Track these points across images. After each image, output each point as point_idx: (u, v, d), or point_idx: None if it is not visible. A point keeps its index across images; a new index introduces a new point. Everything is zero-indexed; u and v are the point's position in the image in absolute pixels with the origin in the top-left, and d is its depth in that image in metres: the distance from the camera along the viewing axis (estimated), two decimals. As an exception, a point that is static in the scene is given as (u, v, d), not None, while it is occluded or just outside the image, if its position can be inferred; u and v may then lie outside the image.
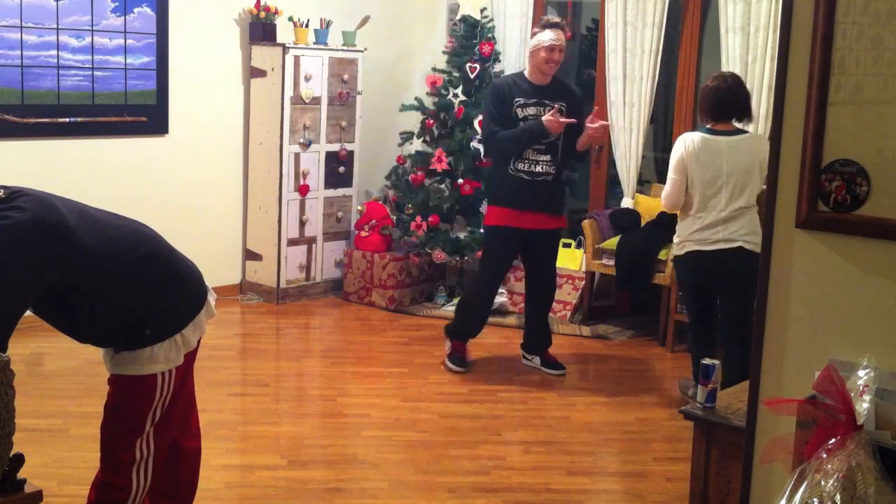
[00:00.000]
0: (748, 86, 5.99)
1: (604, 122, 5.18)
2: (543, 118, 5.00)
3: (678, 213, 4.76)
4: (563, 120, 4.98)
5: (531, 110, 5.10)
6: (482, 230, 5.73)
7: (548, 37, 5.05)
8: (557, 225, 5.40)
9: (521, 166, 5.13)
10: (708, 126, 4.65)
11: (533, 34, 5.19)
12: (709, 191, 4.58)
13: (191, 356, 2.81)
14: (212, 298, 2.86)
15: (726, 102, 4.60)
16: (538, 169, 5.14)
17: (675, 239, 4.79)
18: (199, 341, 2.83)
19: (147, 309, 2.65)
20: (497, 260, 5.39)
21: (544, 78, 5.15)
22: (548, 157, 5.15)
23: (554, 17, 5.26)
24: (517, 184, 5.14)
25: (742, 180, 4.56)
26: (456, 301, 6.66)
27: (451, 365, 5.43)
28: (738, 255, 4.55)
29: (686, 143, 4.63)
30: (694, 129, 6.51)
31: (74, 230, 2.47)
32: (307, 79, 6.63)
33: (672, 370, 5.69)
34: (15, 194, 2.43)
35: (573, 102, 5.21)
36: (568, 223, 7.29)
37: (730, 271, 4.57)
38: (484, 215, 5.57)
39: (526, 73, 5.22)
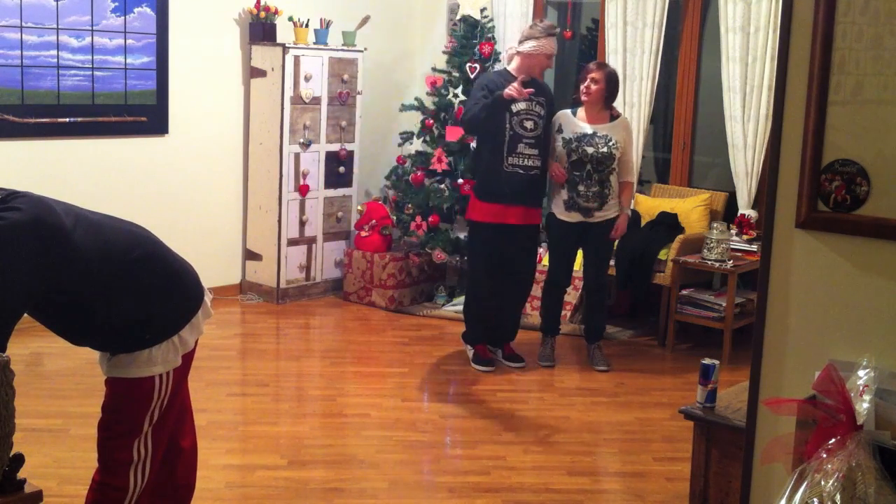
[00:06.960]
0: (748, 86, 6.05)
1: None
2: (506, 90, 5.06)
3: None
4: (524, 90, 5.08)
5: (522, 105, 5.25)
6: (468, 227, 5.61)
7: (552, 46, 5.32)
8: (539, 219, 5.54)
9: (513, 161, 5.27)
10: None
11: (530, 36, 5.30)
12: None
13: (188, 357, 2.79)
14: (208, 298, 2.84)
15: None
16: (529, 163, 5.29)
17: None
18: (196, 342, 2.81)
19: (145, 311, 2.63)
20: (486, 258, 5.45)
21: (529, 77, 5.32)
22: (535, 152, 5.29)
23: (553, 25, 5.44)
24: (509, 178, 5.25)
25: None
26: (456, 301, 6.68)
27: (476, 367, 5.48)
28: None
29: None
30: (694, 128, 6.56)
31: (71, 232, 2.45)
32: (307, 79, 6.63)
33: (672, 370, 5.69)
34: (11, 195, 2.41)
35: (549, 99, 5.44)
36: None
37: None
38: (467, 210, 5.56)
39: (513, 70, 5.33)
